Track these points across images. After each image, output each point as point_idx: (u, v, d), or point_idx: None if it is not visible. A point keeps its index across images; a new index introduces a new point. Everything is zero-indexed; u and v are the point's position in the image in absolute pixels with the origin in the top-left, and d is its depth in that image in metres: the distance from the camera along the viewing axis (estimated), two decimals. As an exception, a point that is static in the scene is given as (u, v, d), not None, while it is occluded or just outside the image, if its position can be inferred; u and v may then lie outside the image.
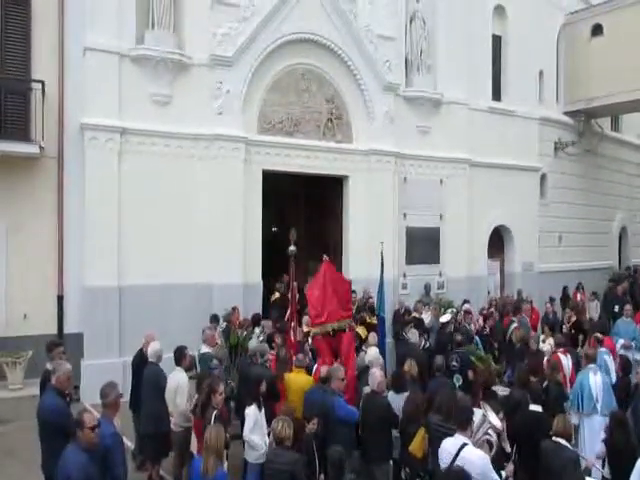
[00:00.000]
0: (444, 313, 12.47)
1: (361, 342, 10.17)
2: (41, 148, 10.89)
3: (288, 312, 9.89)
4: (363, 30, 13.58)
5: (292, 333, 8.84)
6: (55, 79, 11.22)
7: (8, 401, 9.88)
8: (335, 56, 13.42)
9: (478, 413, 5.51)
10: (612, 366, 9.41)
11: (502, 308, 13.70)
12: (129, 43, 11.36)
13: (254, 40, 12.23)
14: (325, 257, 9.29)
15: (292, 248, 8.75)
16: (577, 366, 9.41)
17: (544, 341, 10.78)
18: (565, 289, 17.30)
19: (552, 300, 14.79)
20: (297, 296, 9.30)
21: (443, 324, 11.71)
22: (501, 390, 8.13)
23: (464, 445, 5.03)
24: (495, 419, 5.53)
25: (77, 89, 11.18)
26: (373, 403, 6.78)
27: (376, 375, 6.96)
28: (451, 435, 5.27)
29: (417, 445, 6.41)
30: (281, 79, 12.92)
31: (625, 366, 8.58)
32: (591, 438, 7.70)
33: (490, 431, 5.49)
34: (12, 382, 10.42)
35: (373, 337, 9.64)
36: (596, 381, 8.00)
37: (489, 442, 5.32)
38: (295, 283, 9.05)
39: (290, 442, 5.44)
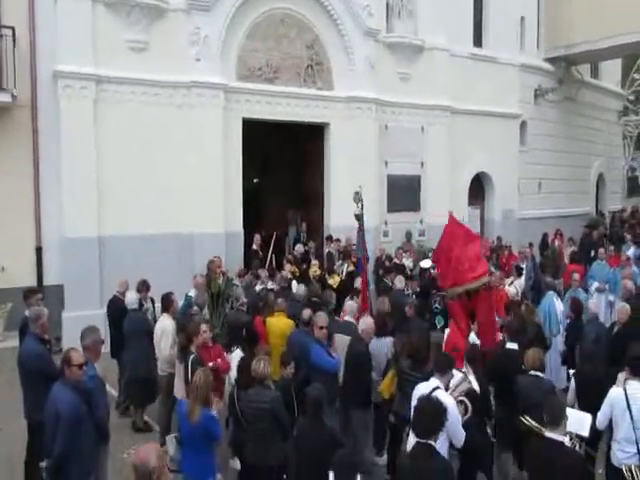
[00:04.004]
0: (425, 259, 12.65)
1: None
2: (13, 97, 10.66)
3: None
4: (343, -27, 13.25)
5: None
6: (26, 25, 10.88)
7: (-11, 353, 9.88)
8: (315, 0, 13.13)
9: (458, 374, 5.48)
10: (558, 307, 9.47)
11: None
12: (101, -14, 10.99)
13: (231, -17, 11.89)
14: (449, 212, 8.76)
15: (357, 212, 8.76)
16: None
17: (511, 284, 10.78)
18: (545, 236, 17.55)
19: (531, 245, 15.02)
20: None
21: (424, 269, 11.89)
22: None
23: (436, 388, 5.08)
24: (475, 382, 5.51)
25: (49, 35, 10.85)
26: (353, 349, 6.72)
27: (364, 321, 6.92)
28: (419, 382, 5.33)
29: (385, 386, 6.52)
30: (260, 24, 12.64)
31: (576, 308, 8.58)
32: (556, 358, 8.51)
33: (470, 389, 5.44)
34: (-8, 334, 10.45)
35: (358, 282, 9.70)
36: (559, 305, 8.96)
37: (465, 405, 5.30)
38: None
39: (269, 381, 5.59)
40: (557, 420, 4.36)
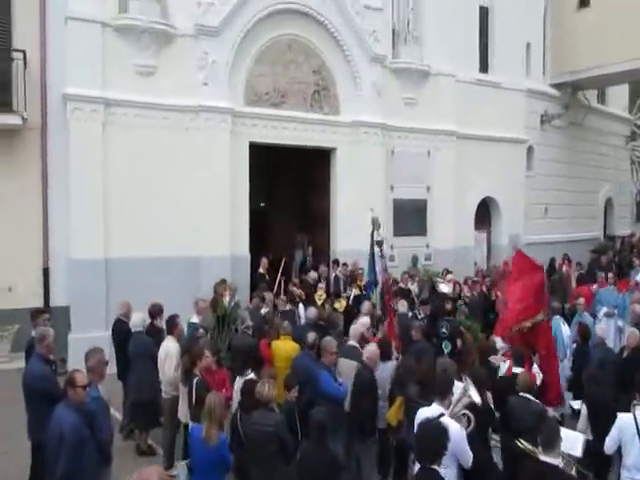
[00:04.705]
0: (435, 283, 12.60)
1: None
2: (24, 119, 10.77)
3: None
4: (349, 0, 13.42)
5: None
6: (37, 49, 11.05)
7: (-6, 374, 9.86)
8: (321, 27, 13.29)
9: (459, 386, 5.45)
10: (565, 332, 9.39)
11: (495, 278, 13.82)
12: (112, 12, 11.19)
13: (240, 10, 12.07)
14: (515, 247, 8.93)
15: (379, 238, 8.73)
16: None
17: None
18: (552, 261, 17.42)
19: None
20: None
21: (444, 294, 11.81)
22: (500, 360, 7.78)
23: (441, 415, 4.99)
24: (476, 395, 5.43)
25: (59, 59, 11.00)
26: (359, 377, 6.60)
27: (368, 349, 6.84)
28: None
29: (393, 413, 6.41)
30: (267, 50, 12.79)
31: (583, 332, 8.53)
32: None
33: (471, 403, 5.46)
34: (-2, 355, 10.44)
35: (367, 305, 9.67)
36: (565, 330, 8.80)
37: (467, 417, 5.25)
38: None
39: (274, 404, 5.52)
40: (552, 443, 4.35)
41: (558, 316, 9.57)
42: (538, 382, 7.05)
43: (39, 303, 10.86)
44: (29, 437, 5.87)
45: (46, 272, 11.26)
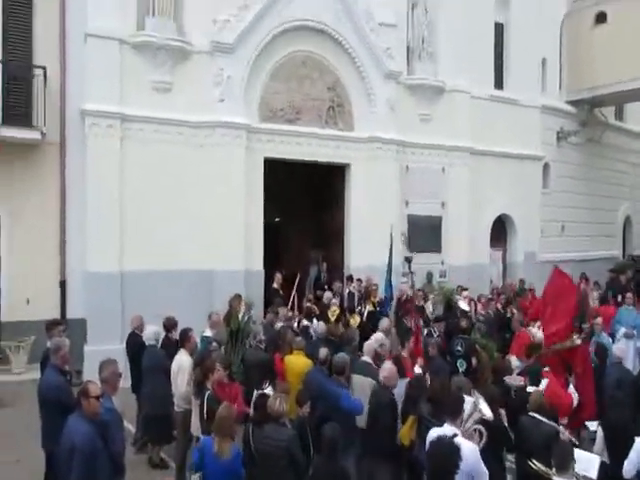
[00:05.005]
0: (451, 300, 12.51)
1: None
2: (43, 134, 10.97)
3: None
4: (364, 17, 13.54)
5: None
6: (57, 65, 11.30)
7: (10, 385, 10.00)
8: (336, 43, 13.41)
9: (469, 401, 5.33)
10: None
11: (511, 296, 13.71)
12: (130, 29, 11.40)
13: (255, 26, 12.24)
14: (555, 266, 8.81)
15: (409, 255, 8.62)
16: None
17: (539, 327, 10.61)
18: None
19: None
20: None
21: (463, 311, 11.70)
22: (517, 380, 7.54)
23: (454, 436, 4.82)
24: (486, 408, 5.38)
25: (78, 75, 11.24)
26: (378, 398, 6.35)
27: (385, 368, 6.55)
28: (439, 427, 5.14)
29: (405, 432, 6.21)
30: (282, 66, 12.92)
31: (601, 353, 8.43)
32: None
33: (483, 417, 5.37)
34: (15, 366, 10.56)
35: (386, 322, 9.53)
36: None
37: (479, 432, 5.15)
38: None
39: (286, 419, 5.47)
40: (565, 465, 4.28)
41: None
42: (575, 402, 6.99)
43: (56, 315, 10.91)
44: (43, 446, 5.88)
45: (63, 285, 11.39)
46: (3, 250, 11.06)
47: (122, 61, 11.24)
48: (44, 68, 10.94)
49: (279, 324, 9.88)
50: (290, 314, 10.36)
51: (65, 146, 11.39)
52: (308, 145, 13.21)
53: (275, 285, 12.45)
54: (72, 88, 11.34)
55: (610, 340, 9.96)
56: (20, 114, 10.83)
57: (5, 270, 11.03)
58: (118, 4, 11.23)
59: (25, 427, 7.62)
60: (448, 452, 4.11)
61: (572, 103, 19.08)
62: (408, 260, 8.73)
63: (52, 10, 11.28)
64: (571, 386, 7.31)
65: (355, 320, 11.28)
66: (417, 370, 7.47)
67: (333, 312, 11.37)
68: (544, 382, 7.17)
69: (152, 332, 8.04)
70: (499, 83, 16.94)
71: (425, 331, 10.55)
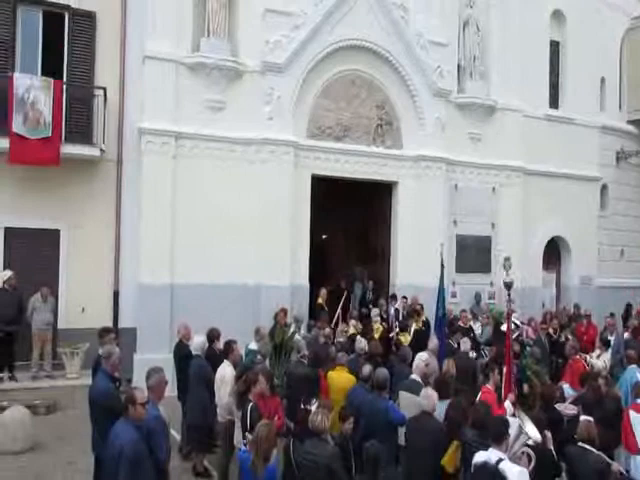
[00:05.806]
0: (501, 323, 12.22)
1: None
2: (102, 151, 11.47)
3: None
4: (414, 36, 13.60)
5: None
6: (116, 86, 11.83)
7: (65, 389, 10.38)
8: (386, 62, 13.50)
9: (514, 424, 5.14)
10: None
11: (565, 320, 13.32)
12: (186, 51, 11.81)
13: (305, 47, 12.48)
14: None
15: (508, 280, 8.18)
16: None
17: (598, 356, 10.27)
18: (629, 307, 16.46)
19: (612, 316, 14.08)
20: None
21: (515, 329, 11.42)
22: (570, 409, 7.22)
23: (500, 460, 4.70)
24: (533, 430, 5.18)
25: (136, 95, 11.73)
26: (422, 425, 6.04)
27: (427, 393, 6.24)
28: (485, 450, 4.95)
29: (449, 458, 5.83)
30: (331, 85, 13.09)
31: None
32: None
33: (530, 442, 5.16)
34: (70, 371, 10.92)
35: (435, 342, 9.49)
36: None
37: (528, 455, 5.02)
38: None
39: (327, 435, 5.45)
40: None
41: (635, 365, 8.94)
42: None
43: (109, 324, 11.24)
44: (93, 450, 6.04)
45: (116, 295, 11.82)
46: (62, 261, 11.53)
47: (177, 81, 11.64)
48: (104, 89, 11.47)
49: (323, 340, 9.91)
50: (333, 330, 10.37)
51: (122, 162, 11.88)
52: (355, 163, 13.28)
53: (320, 300, 12.50)
54: (130, 107, 11.85)
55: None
56: (81, 132, 11.33)
57: (63, 280, 11.50)
58: (175, 26, 11.66)
59: (78, 430, 7.95)
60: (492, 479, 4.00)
61: (633, 123, 18.48)
62: (508, 286, 7.88)
63: (113, 34, 11.87)
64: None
65: (406, 339, 11.16)
66: (507, 405, 6.61)
67: (377, 329, 11.33)
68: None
69: (200, 342, 8.17)
70: (554, 102, 16.64)
71: (474, 354, 10.34)
